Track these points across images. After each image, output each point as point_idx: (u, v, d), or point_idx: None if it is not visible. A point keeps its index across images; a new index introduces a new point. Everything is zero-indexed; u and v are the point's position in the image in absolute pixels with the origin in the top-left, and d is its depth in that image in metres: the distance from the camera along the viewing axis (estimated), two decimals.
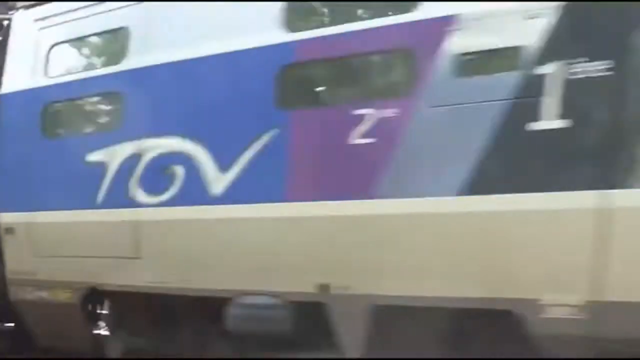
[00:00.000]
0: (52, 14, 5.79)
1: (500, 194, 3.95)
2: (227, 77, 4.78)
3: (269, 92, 4.53)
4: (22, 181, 5.77)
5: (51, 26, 5.83)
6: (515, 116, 3.84)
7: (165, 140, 4.95)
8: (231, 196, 4.66)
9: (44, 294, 5.68)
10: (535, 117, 3.84)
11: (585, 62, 3.70)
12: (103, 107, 5.59)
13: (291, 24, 4.58)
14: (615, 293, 3.70)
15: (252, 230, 4.75)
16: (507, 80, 3.85)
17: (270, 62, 4.56)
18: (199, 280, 4.84)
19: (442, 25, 4.04)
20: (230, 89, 4.75)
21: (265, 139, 4.51)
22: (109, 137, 5.25)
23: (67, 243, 5.46)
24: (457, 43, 4.01)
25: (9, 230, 5.90)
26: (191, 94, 4.93)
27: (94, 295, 5.48)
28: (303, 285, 4.57)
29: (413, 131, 4.08)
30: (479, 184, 4.00)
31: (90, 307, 5.80)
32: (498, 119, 3.86)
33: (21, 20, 5.98)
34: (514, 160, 3.97)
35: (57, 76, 5.72)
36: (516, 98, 3.89)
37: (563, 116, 3.75)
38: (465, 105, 3.98)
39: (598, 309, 3.72)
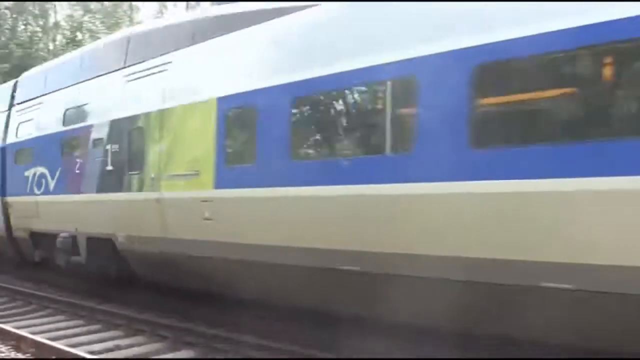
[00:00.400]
0: (20, 110, 13.87)
1: (102, 193, 10.72)
2: (49, 145, 12.17)
3: (59, 149, 11.82)
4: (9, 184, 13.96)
5: (20, 115, 13.69)
6: (103, 164, 10.60)
7: (40, 168, 12.40)
8: (54, 192, 11.96)
9: (20, 234, 13.61)
10: (107, 165, 10.54)
11: (116, 145, 10.46)
12: (30, 153, 13.23)
13: (65, 123, 11.88)
14: (138, 232, 10.12)
15: (65, 205, 11.90)
16: (102, 150, 10.68)
17: (59, 139, 11.89)
18: (50, 226, 12.24)
19: (89, 128, 11.02)
20: (51, 148, 12.13)
21: (60, 168, 11.81)
22: (29, 166, 12.89)
23: (22, 210, 13.27)
24: (93, 136, 10.92)
25: (10, 204, 13.83)
26: (45, 151, 12.42)
27: (33, 233, 13.03)
28: (72, 228, 11.54)
29: (84, 170, 11.10)
30: (102, 188, 10.79)
31: (32, 238, 13.26)
32: (102, 164, 10.67)
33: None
34: (105, 179, 10.67)
35: (22, 138, 13.52)
36: (103, 157, 10.64)
37: (112, 165, 10.46)
38: (98, 159, 10.81)
39: (132, 239, 10.18)
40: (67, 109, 12.02)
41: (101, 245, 11.01)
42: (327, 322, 7.81)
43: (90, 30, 46.20)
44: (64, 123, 12.04)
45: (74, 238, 11.64)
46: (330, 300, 7.55)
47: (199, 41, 9.27)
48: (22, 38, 45.71)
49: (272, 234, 7.72)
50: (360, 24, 7.24)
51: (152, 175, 9.57)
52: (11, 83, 15.26)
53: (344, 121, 7.46)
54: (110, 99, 10.83)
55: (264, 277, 8.07)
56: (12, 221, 13.86)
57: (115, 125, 10.48)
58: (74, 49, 41.60)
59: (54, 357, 7.69)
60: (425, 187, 6.17)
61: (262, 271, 7.96)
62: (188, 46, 9.40)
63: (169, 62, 9.64)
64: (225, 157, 8.42)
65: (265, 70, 7.93)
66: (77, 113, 11.74)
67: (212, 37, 9.07)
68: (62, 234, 11.87)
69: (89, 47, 13.14)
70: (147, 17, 47.76)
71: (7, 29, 46.08)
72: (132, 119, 10.11)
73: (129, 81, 10.37)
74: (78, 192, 11.44)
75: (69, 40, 46.43)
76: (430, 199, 6.13)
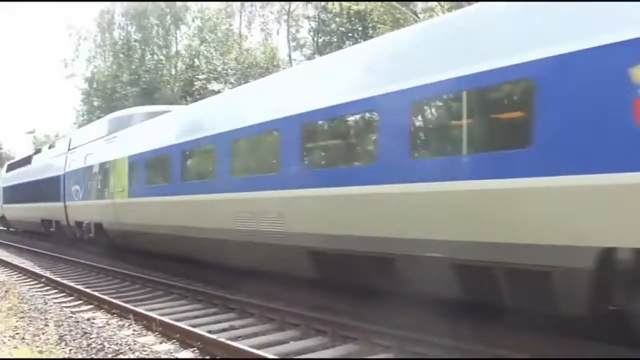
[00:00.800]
0: (71, 153, 23.95)
1: (97, 200, 20.22)
2: (80, 174, 22.05)
3: (83, 176, 21.69)
4: (66, 195, 23.93)
5: (70, 156, 23.85)
6: (96, 184, 20.16)
7: (77, 186, 22.30)
8: (82, 199, 21.82)
9: (72, 223, 23.31)
10: (98, 185, 20.07)
11: (100, 175, 19.99)
12: (73, 177, 22.95)
13: (85, 162, 21.71)
14: (110, 219, 19.62)
15: (86, 206, 21.60)
16: (97, 177, 20.29)
17: (82, 170, 21.84)
18: (82, 218, 21.94)
19: (92, 166, 20.68)
20: (80, 175, 21.98)
21: (84, 186, 21.56)
22: (73, 184, 22.75)
23: (72, 209, 23.14)
24: (93, 170, 20.58)
25: (67, 206, 23.55)
26: (78, 177, 22.27)
27: (76, 222, 22.74)
28: (89, 219, 21.19)
29: (91, 187, 20.71)
30: (97, 197, 20.32)
31: (76, 225, 23.00)
32: (96, 184, 20.28)
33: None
34: (98, 192, 20.15)
35: (70, 169, 23.51)
36: (97, 181, 20.28)
37: (99, 185, 20.02)
38: (95, 181, 20.43)
39: (108, 224, 19.44)
40: (86, 155, 21.65)
41: (99, 228, 20.23)
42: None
43: (205, 57, 49.60)
44: (84, 162, 21.59)
45: (89, 224, 20.94)
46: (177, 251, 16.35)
47: (130, 125, 19.09)
48: (149, 65, 52.34)
49: (146, 219, 16.31)
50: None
51: (111, 191, 18.77)
52: (68, 137, 25.91)
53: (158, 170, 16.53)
54: (100, 152, 20.28)
55: (151, 240, 16.72)
56: (68, 215, 23.48)
57: (101, 166, 19.92)
58: (193, 73, 46.17)
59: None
60: None
61: (151, 237, 16.52)
62: (124, 128, 19.19)
63: (115, 136, 19.34)
64: (131, 182, 17.41)
65: (138, 147, 16.92)
66: (88, 157, 21.24)
67: (131, 126, 18.94)
68: (85, 222, 21.40)
69: (95, 122, 23.82)
70: (253, 45, 51.55)
71: (136, 58, 51.95)
72: (106, 162, 19.47)
73: (106, 143, 20.04)
74: (89, 199, 20.80)
75: (187, 67, 50.71)
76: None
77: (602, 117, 5.97)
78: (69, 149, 24.26)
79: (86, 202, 20.98)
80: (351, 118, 9.19)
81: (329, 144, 9.99)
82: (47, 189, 25.58)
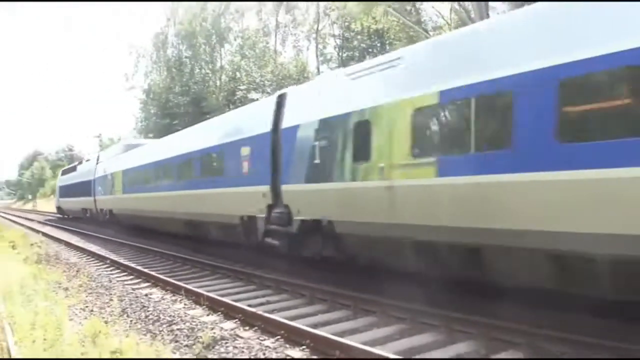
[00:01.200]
0: (99, 165, 34.77)
1: (108, 195, 30.75)
2: (102, 179, 31.54)
3: (104, 180, 31.35)
4: (95, 192, 34.44)
5: (98, 166, 34.49)
6: (108, 185, 29.56)
7: (100, 187, 32.65)
8: (103, 195, 31.79)
9: (98, 210, 34.14)
10: (108, 186, 29.50)
11: (111, 181, 29.37)
12: (99, 182, 32.50)
13: (104, 172, 31.85)
14: (117, 206, 30.09)
15: (104, 200, 31.52)
16: (110, 182, 29.83)
17: (103, 177, 30.97)
18: (102, 206, 31.75)
19: (107, 174, 30.23)
20: (103, 180, 31.86)
21: (104, 186, 31.79)
22: (98, 186, 32.14)
23: (99, 201, 33.22)
24: (108, 177, 30.26)
25: (96, 200, 33.77)
26: (102, 181, 32.29)
27: (100, 209, 33.50)
28: (107, 207, 30.84)
29: (106, 187, 30.58)
30: (109, 193, 30.38)
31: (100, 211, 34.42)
32: (108, 186, 29.86)
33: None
34: (109, 190, 30.01)
35: (98, 176, 33.21)
36: (108, 183, 30.04)
37: (109, 186, 29.48)
38: (109, 183, 30.58)
39: (116, 209, 28.88)
40: (104, 167, 31.02)
41: (111, 212, 29.69)
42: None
43: (245, 71, 50.40)
44: (104, 172, 31.24)
45: (106, 210, 30.19)
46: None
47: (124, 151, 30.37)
48: (197, 78, 56.55)
49: (129, 205, 25.61)
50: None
51: (115, 189, 28.36)
52: (96, 155, 35.59)
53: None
54: (111, 165, 29.29)
55: (132, 218, 26.00)
56: (97, 205, 32.71)
57: (111, 174, 29.12)
58: (235, 85, 46.55)
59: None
60: None
61: (132, 216, 25.87)
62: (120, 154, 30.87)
63: (119, 157, 28.96)
64: (124, 185, 26.75)
65: (125, 165, 26.17)
66: (106, 169, 30.17)
67: (126, 151, 29.73)
68: (104, 209, 31.21)
69: (112, 146, 33.89)
70: (287, 60, 51.90)
71: (187, 72, 55.20)
72: (113, 172, 28.57)
73: (114, 160, 29.25)
74: (106, 194, 30.09)
75: (230, 79, 52.03)
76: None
77: (260, 160, 12.68)
78: (97, 162, 34.19)
79: (104, 196, 30.32)
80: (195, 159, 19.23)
81: (186, 170, 19.27)
82: (85, 188, 35.31)
